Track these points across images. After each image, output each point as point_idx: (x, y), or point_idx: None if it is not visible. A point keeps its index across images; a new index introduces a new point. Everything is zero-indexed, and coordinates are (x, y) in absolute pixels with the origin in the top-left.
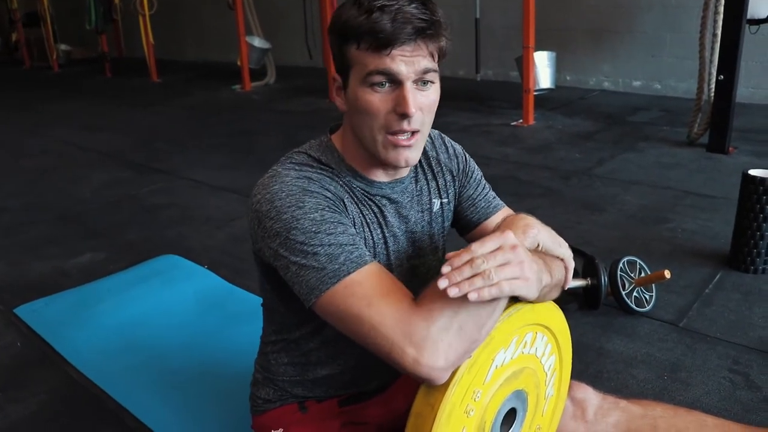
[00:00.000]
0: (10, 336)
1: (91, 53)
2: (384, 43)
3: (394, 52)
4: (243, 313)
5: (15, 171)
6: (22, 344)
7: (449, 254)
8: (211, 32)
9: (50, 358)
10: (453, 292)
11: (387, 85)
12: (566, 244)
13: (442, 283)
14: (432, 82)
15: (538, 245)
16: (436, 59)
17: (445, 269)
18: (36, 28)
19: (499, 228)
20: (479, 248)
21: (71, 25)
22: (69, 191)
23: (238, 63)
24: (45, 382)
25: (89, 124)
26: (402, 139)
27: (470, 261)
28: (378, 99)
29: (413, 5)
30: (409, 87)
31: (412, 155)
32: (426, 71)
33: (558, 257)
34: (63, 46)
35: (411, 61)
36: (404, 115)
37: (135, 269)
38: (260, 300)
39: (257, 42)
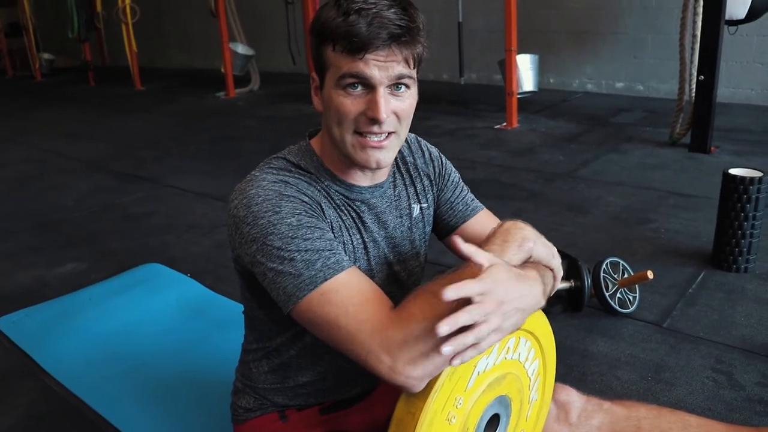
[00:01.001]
0: None
1: (74, 62)
2: (358, 47)
3: (368, 56)
4: (226, 321)
5: None
6: (1, 356)
7: (445, 320)
8: (194, 39)
9: (30, 370)
10: (447, 350)
11: (360, 87)
12: (558, 254)
13: (443, 329)
14: (407, 87)
15: (532, 257)
16: (412, 65)
17: (444, 330)
18: (18, 37)
19: (493, 239)
20: (474, 286)
21: (54, 34)
22: (51, 200)
23: (222, 70)
24: (24, 395)
25: (72, 133)
26: (372, 140)
27: (466, 310)
28: (350, 102)
29: (392, 10)
30: (382, 92)
31: (383, 157)
32: (400, 77)
33: (549, 267)
34: (46, 55)
35: (385, 67)
36: (375, 120)
37: (117, 278)
38: (242, 308)
39: (241, 48)
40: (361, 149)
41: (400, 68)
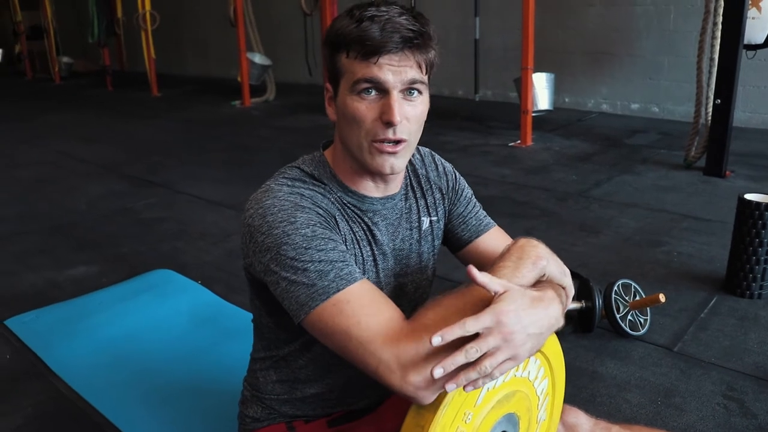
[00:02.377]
0: (0, 348)
1: (93, 66)
2: (371, 51)
3: (381, 60)
4: (235, 330)
5: (11, 181)
6: (11, 356)
7: (441, 331)
8: (211, 48)
9: (39, 371)
10: (450, 388)
11: (374, 92)
12: (569, 273)
13: (437, 372)
14: (420, 93)
15: (545, 275)
16: (424, 71)
17: (436, 340)
18: (39, 40)
19: (508, 256)
20: (474, 325)
21: (74, 38)
22: (64, 202)
23: (239, 79)
24: (33, 396)
25: (88, 136)
26: (387, 145)
27: (461, 349)
28: (365, 106)
29: (403, 17)
30: (396, 96)
31: (397, 162)
32: (413, 81)
33: (561, 286)
34: (65, 59)
35: (398, 71)
36: (389, 124)
37: (128, 283)
38: (252, 316)
39: (258, 58)
40: (377, 154)
41: (413, 73)
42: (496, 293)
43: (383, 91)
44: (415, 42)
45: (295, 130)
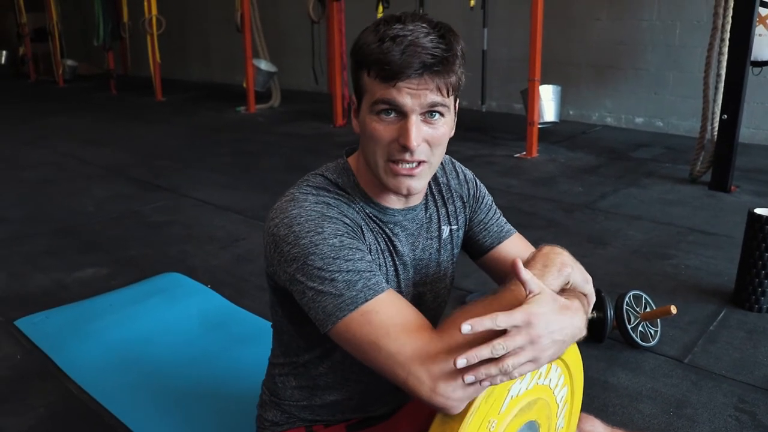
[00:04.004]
0: (10, 348)
1: (97, 69)
2: (390, 75)
3: (400, 84)
4: (245, 335)
5: (17, 182)
6: (21, 357)
7: (471, 320)
8: (216, 54)
9: (50, 371)
10: (468, 379)
11: (393, 114)
12: (591, 281)
13: (460, 362)
14: (441, 115)
15: (569, 282)
16: (446, 94)
17: (465, 328)
18: (44, 43)
19: (534, 263)
20: (505, 320)
21: (79, 41)
22: (71, 205)
23: (244, 85)
24: (44, 396)
25: (93, 139)
26: (402, 168)
27: (489, 343)
28: (383, 128)
29: (429, 38)
30: (414, 120)
31: (414, 184)
32: (433, 105)
33: (583, 293)
34: (69, 62)
35: (417, 94)
36: (405, 148)
37: (137, 286)
38: (263, 322)
39: (264, 65)
40: (393, 176)
41: (433, 96)
42: (531, 292)
43: (402, 113)
44: (434, 69)
45: (299, 137)
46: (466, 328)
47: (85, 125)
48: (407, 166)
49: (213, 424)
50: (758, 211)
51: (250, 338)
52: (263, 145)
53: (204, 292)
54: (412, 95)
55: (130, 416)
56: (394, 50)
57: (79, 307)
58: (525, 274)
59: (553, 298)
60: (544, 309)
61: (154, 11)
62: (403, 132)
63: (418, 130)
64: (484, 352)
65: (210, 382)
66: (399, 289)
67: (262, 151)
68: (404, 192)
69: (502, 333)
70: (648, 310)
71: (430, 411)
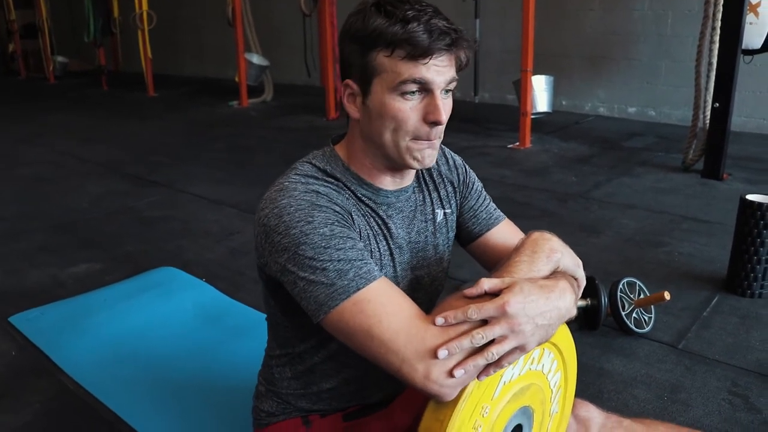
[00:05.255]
0: (5, 344)
1: (87, 66)
2: (422, 52)
3: (432, 62)
4: (241, 327)
5: (11, 180)
6: (16, 353)
7: (444, 313)
8: (208, 48)
9: (45, 367)
10: (459, 373)
11: (417, 93)
12: (582, 265)
13: (442, 354)
14: (452, 91)
15: (559, 268)
16: (458, 69)
17: (439, 321)
18: (33, 39)
19: (522, 250)
20: (475, 313)
21: (69, 37)
22: (66, 201)
23: (236, 79)
24: (40, 392)
25: (85, 136)
26: (425, 142)
27: (468, 333)
28: (409, 107)
29: (439, 17)
30: (439, 95)
31: (434, 154)
32: (452, 80)
33: (574, 277)
34: (60, 58)
35: (442, 71)
36: (435, 123)
37: (132, 280)
38: (259, 314)
39: (256, 59)
40: (417, 151)
41: (452, 72)
42: (504, 289)
43: (427, 90)
44: (458, 45)
45: (293, 131)
46: (440, 321)
47: (78, 122)
48: (428, 142)
49: (209, 417)
50: (750, 197)
51: (245, 331)
52: (257, 140)
53: (199, 286)
54: (438, 72)
55: (126, 410)
56: (419, 29)
57: (73, 303)
58: (486, 284)
59: (530, 285)
60: (520, 296)
61: (145, 6)
62: (433, 108)
63: (443, 105)
64: (464, 343)
65: (206, 374)
66: (395, 273)
67: (256, 146)
68: (427, 163)
69: (485, 323)
70: (642, 297)
71: (425, 400)
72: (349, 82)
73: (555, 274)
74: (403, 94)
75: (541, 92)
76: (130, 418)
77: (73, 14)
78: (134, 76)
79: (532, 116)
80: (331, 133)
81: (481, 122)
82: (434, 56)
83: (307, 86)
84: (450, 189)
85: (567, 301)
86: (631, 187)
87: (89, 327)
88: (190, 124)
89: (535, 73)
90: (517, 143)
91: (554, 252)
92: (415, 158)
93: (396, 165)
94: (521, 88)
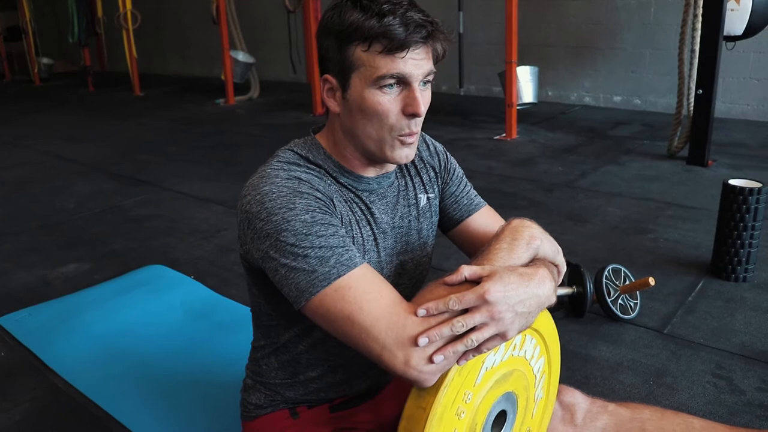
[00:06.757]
0: None
1: (73, 67)
2: (398, 46)
3: (408, 55)
4: (229, 323)
5: None
6: (5, 354)
7: (425, 304)
8: (194, 47)
9: (35, 367)
10: (438, 359)
11: (395, 86)
12: (561, 251)
13: (422, 341)
14: (429, 83)
15: (538, 254)
16: (435, 62)
17: (420, 312)
18: (18, 41)
19: (502, 237)
20: (456, 304)
21: (53, 38)
22: (52, 202)
23: (222, 77)
24: (30, 391)
25: (71, 136)
26: (407, 138)
27: (449, 321)
28: (387, 100)
29: (413, 10)
30: (417, 88)
31: (412, 152)
32: (429, 73)
33: (554, 264)
34: (45, 60)
35: (420, 64)
36: (414, 115)
37: (121, 279)
38: (247, 309)
39: (241, 56)
40: (399, 147)
41: (429, 65)
42: (483, 277)
43: (405, 84)
44: (432, 37)
45: (280, 127)
46: (421, 312)
47: (64, 123)
48: (410, 138)
49: (199, 412)
50: (732, 182)
51: (233, 326)
52: (244, 137)
53: (187, 283)
54: (415, 65)
55: (116, 408)
56: (395, 22)
57: (62, 303)
58: (466, 271)
59: (509, 273)
60: (500, 285)
61: (129, 6)
62: (411, 101)
63: (422, 98)
64: (444, 330)
65: (195, 370)
66: (379, 258)
67: (243, 143)
68: (405, 161)
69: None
70: (627, 283)
71: (412, 388)
72: (327, 77)
73: (535, 261)
74: (382, 87)
75: (526, 83)
76: (120, 416)
77: (57, 15)
78: (120, 76)
79: (518, 107)
80: (315, 126)
81: (467, 114)
82: (411, 49)
83: (293, 83)
84: (432, 174)
85: (546, 288)
86: (616, 175)
87: (78, 326)
88: (176, 123)
89: (520, 64)
90: (504, 134)
91: (534, 239)
92: (397, 155)
93: (375, 159)
94: (506, 80)
